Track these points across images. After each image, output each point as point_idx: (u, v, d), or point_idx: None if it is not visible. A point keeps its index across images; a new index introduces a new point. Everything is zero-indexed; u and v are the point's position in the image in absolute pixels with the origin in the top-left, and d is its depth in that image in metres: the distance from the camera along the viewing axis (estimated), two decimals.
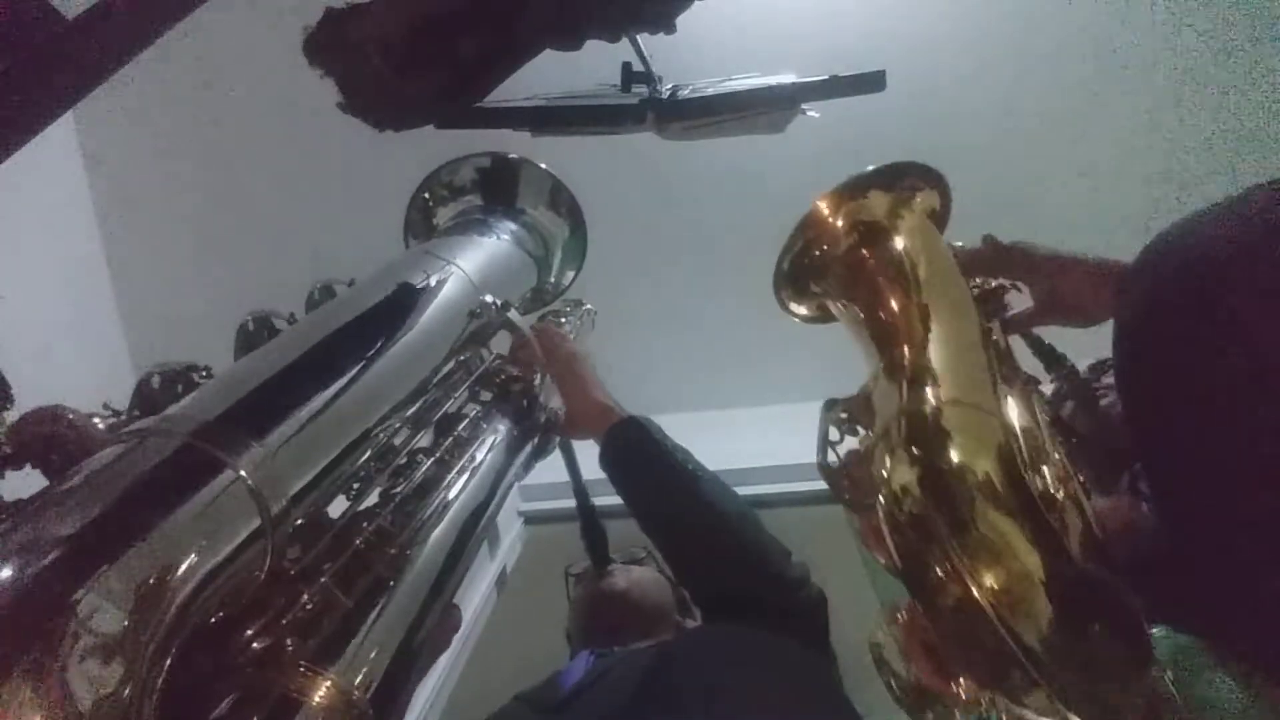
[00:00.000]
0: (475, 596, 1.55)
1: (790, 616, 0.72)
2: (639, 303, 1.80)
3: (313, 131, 1.56)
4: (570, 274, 1.02)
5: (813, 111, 0.88)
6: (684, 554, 0.80)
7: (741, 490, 0.84)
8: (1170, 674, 0.51)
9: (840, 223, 0.69)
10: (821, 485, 1.90)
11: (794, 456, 1.74)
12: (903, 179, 0.70)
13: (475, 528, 0.57)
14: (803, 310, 0.78)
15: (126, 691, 0.31)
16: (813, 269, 0.72)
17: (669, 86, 0.94)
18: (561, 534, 1.61)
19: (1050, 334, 0.74)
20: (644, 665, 0.70)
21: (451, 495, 0.57)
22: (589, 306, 1.07)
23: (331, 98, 0.77)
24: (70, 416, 0.41)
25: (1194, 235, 0.54)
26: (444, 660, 1.28)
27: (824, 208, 0.69)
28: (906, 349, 0.61)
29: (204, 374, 0.47)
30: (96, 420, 0.42)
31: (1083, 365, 0.77)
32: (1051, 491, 0.54)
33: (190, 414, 0.40)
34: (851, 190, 0.69)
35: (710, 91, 0.93)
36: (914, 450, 0.53)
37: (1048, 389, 0.77)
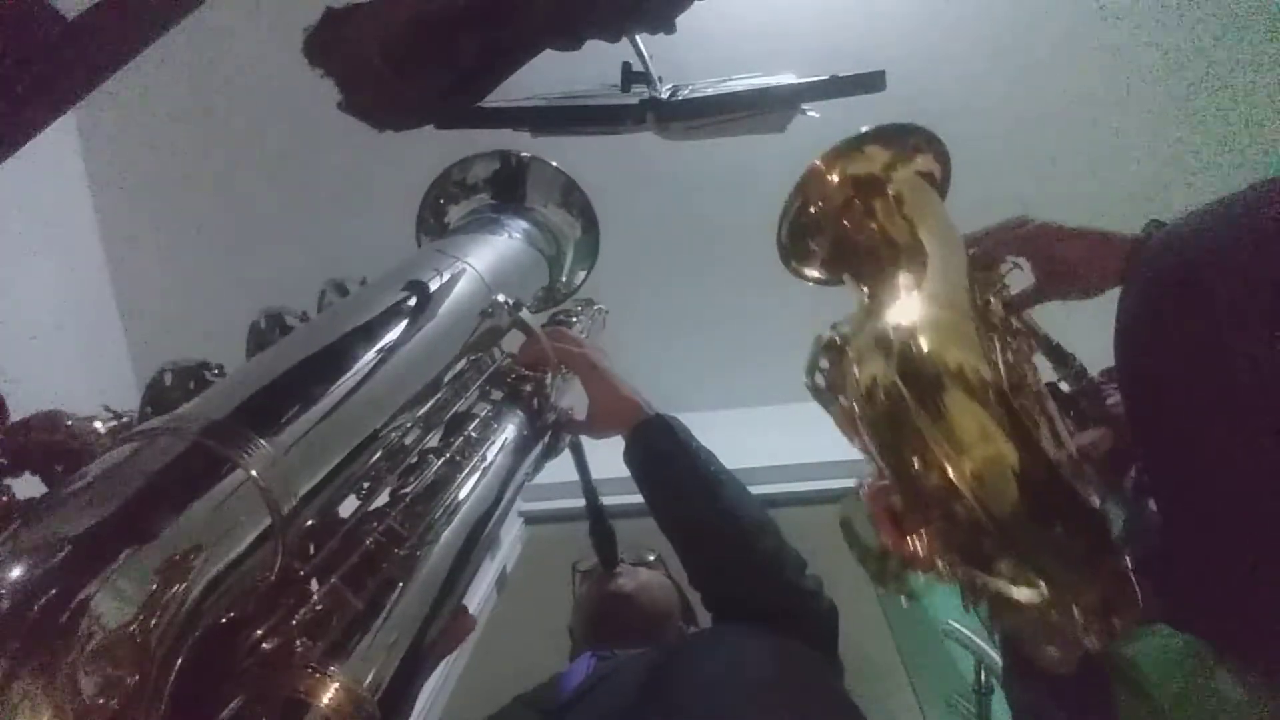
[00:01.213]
0: (475, 596, 1.55)
1: (800, 625, 0.73)
2: (643, 302, 1.80)
3: (322, 130, 1.55)
4: (582, 273, 1.02)
5: (813, 111, 0.89)
6: (700, 555, 0.80)
7: (752, 489, 0.84)
8: (1179, 677, 0.51)
9: (836, 178, 0.71)
10: (822, 485, 1.91)
11: (796, 456, 1.75)
12: (904, 139, 0.70)
13: (485, 528, 0.57)
14: (811, 272, 0.79)
15: (137, 692, 0.30)
16: (811, 224, 0.74)
17: (669, 86, 0.94)
18: (562, 534, 1.62)
19: (1060, 335, 0.74)
20: (648, 666, 0.70)
21: (462, 495, 0.57)
22: (600, 306, 1.07)
23: (332, 99, 0.77)
24: (69, 424, 0.41)
25: (1193, 233, 0.54)
26: (444, 660, 1.28)
27: (822, 165, 0.71)
28: (894, 275, 0.63)
29: (216, 372, 0.47)
30: (98, 424, 0.42)
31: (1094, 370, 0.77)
32: (1026, 382, 0.57)
33: (201, 413, 0.39)
34: (851, 146, 0.70)
35: (710, 91, 0.93)
36: (893, 341, 0.55)
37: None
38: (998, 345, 0.58)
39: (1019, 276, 0.74)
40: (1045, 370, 0.76)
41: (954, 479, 0.49)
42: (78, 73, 0.72)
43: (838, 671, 0.77)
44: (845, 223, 0.70)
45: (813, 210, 0.72)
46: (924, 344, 0.53)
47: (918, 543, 0.54)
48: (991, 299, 0.70)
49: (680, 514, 0.80)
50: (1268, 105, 1.68)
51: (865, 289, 0.66)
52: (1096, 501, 0.51)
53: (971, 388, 0.51)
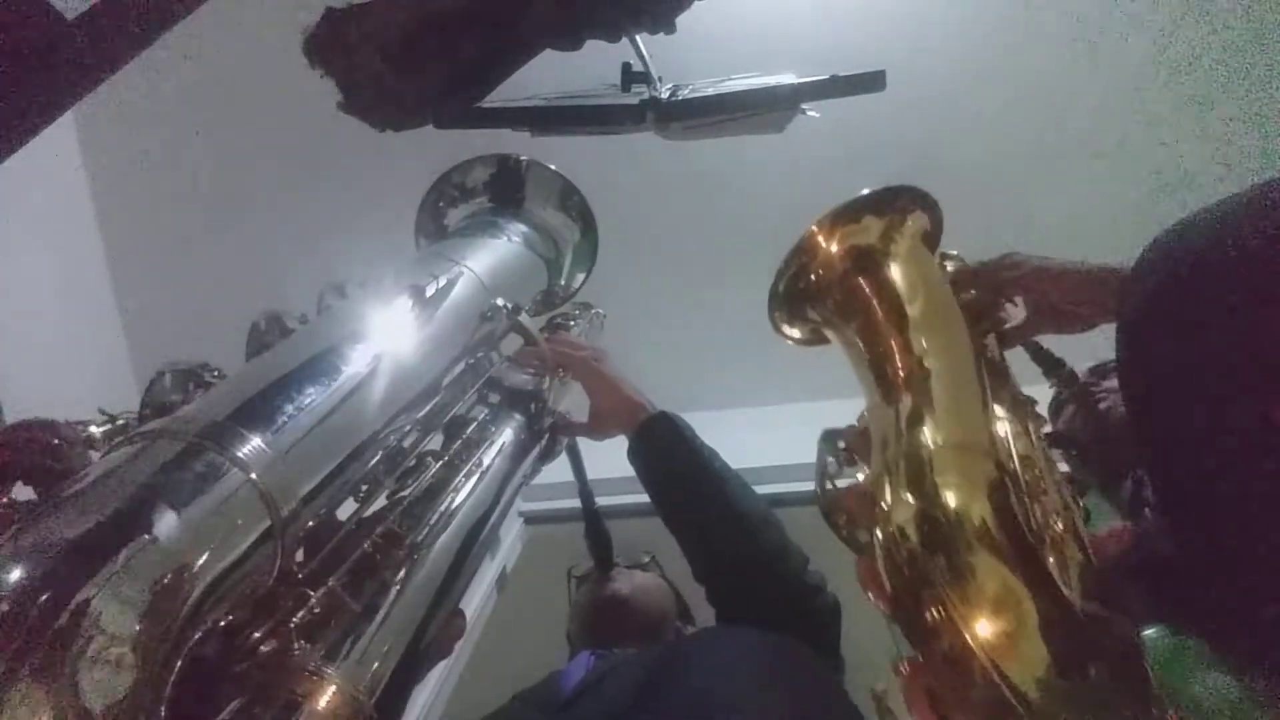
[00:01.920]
0: (475, 596, 1.55)
1: (802, 622, 0.73)
2: (643, 301, 1.80)
3: (321, 131, 1.55)
4: (580, 276, 1.02)
5: (813, 111, 0.89)
6: (705, 551, 0.81)
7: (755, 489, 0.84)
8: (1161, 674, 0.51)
9: (835, 248, 0.69)
10: None
11: (795, 456, 1.74)
12: (895, 202, 0.70)
13: (482, 531, 0.57)
14: (795, 334, 0.79)
15: (136, 693, 0.31)
16: (807, 294, 0.73)
17: (669, 86, 0.94)
18: (562, 534, 1.61)
19: (1048, 339, 0.74)
20: (647, 664, 0.70)
21: (459, 499, 0.57)
22: (598, 310, 1.07)
23: (332, 99, 0.77)
24: (56, 440, 0.41)
25: (1198, 232, 0.54)
26: (444, 660, 1.28)
27: (818, 232, 0.70)
28: (901, 381, 0.61)
29: (215, 374, 0.47)
30: (93, 428, 0.42)
31: (1082, 369, 0.77)
32: (1049, 525, 0.54)
33: (201, 415, 0.40)
34: (845, 215, 0.69)
35: (710, 91, 0.93)
36: (910, 496, 0.53)
37: (1047, 394, 0.77)
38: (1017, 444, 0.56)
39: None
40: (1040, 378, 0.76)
41: (976, 647, 0.46)
42: (78, 73, 0.73)
43: (839, 669, 0.77)
44: (845, 301, 0.69)
45: (812, 278, 0.72)
46: (954, 499, 0.51)
47: None
48: (988, 342, 0.69)
49: (685, 510, 0.80)
50: (1270, 107, 1.68)
51: (872, 389, 0.64)
52: (1126, 629, 0.49)
53: (994, 545, 0.49)
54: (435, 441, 0.63)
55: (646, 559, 1.09)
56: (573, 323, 0.98)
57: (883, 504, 0.54)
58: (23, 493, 0.43)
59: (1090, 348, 0.68)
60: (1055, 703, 0.46)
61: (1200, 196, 0.56)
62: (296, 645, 0.41)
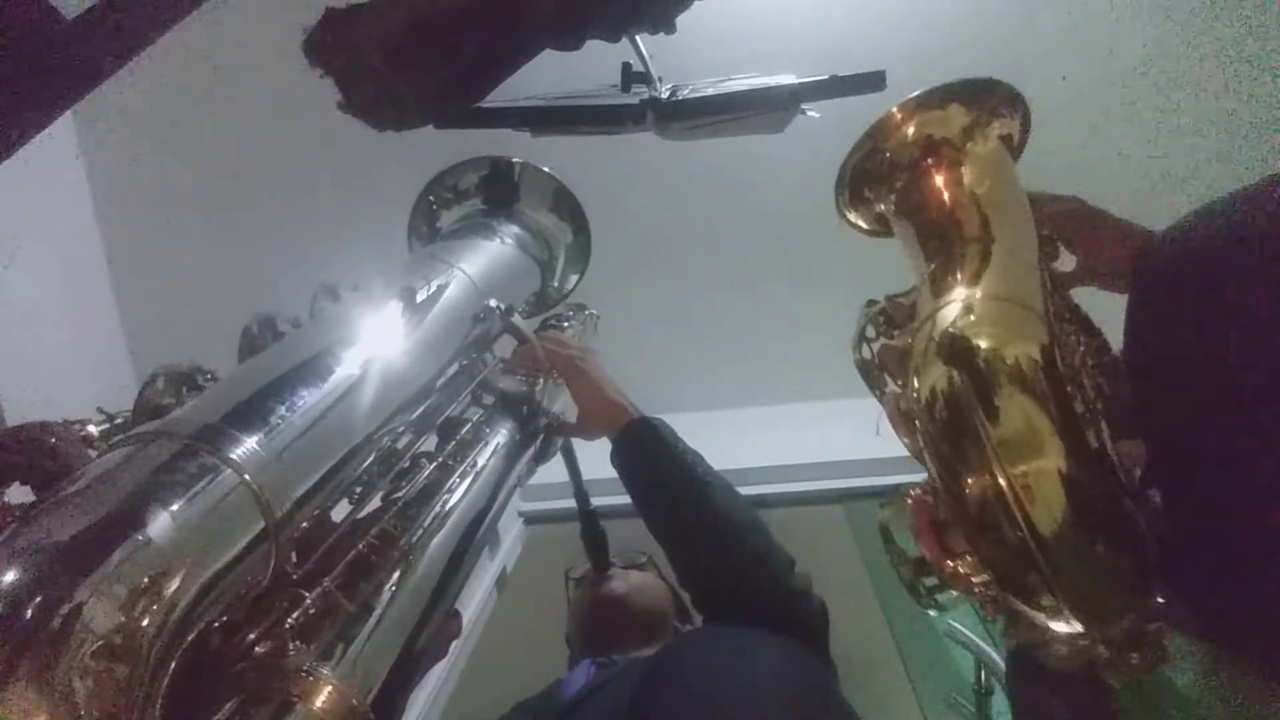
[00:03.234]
0: (475, 597, 1.55)
1: (788, 626, 0.72)
2: (638, 302, 1.80)
3: (316, 132, 1.56)
4: (574, 278, 1.02)
5: (813, 111, 0.89)
6: (688, 556, 0.80)
7: (741, 490, 0.84)
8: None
9: (912, 132, 0.67)
10: (821, 485, 1.90)
11: (794, 456, 1.74)
12: (985, 98, 0.67)
13: (477, 532, 0.57)
14: (861, 222, 0.76)
15: (130, 695, 0.31)
16: (874, 175, 0.71)
17: (669, 86, 0.94)
18: (561, 534, 1.61)
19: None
20: (644, 670, 0.70)
21: (454, 500, 0.57)
22: (592, 310, 1.07)
23: (333, 98, 0.77)
24: (53, 440, 0.41)
25: (1201, 227, 0.54)
26: (443, 660, 1.28)
27: (897, 114, 0.67)
28: (960, 257, 0.60)
29: (208, 377, 0.47)
30: (91, 427, 0.42)
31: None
32: (1086, 391, 0.55)
33: (195, 418, 0.40)
34: (929, 101, 0.66)
35: (710, 91, 0.93)
36: (955, 336, 0.53)
37: None
38: (1058, 334, 0.56)
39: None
40: None
41: (1003, 485, 0.48)
42: (78, 73, 0.73)
43: (831, 671, 0.76)
44: (915, 183, 0.67)
45: (881, 160, 0.69)
46: (986, 340, 0.52)
47: (959, 561, 0.53)
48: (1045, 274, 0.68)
49: (666, 516, 0.80)
50: (1272, 105, 1.67)
51: (927, 263, 0.63)
52: (1139, 518, 0.50)
53: (1031, 388, 0.50)
54: (430, 443, 0.63)
55: (643, 559, 1.08)
56: (566, 324, 0.98)
57: (925, 345, 0.55)
58: (21, 494, 0.43)
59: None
60: (1066, 555, 0.47)
61: (1204, 195, 0.56)
62: (292, 646, 0.41)
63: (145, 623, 0.32)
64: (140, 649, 0.31)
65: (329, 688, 0.40)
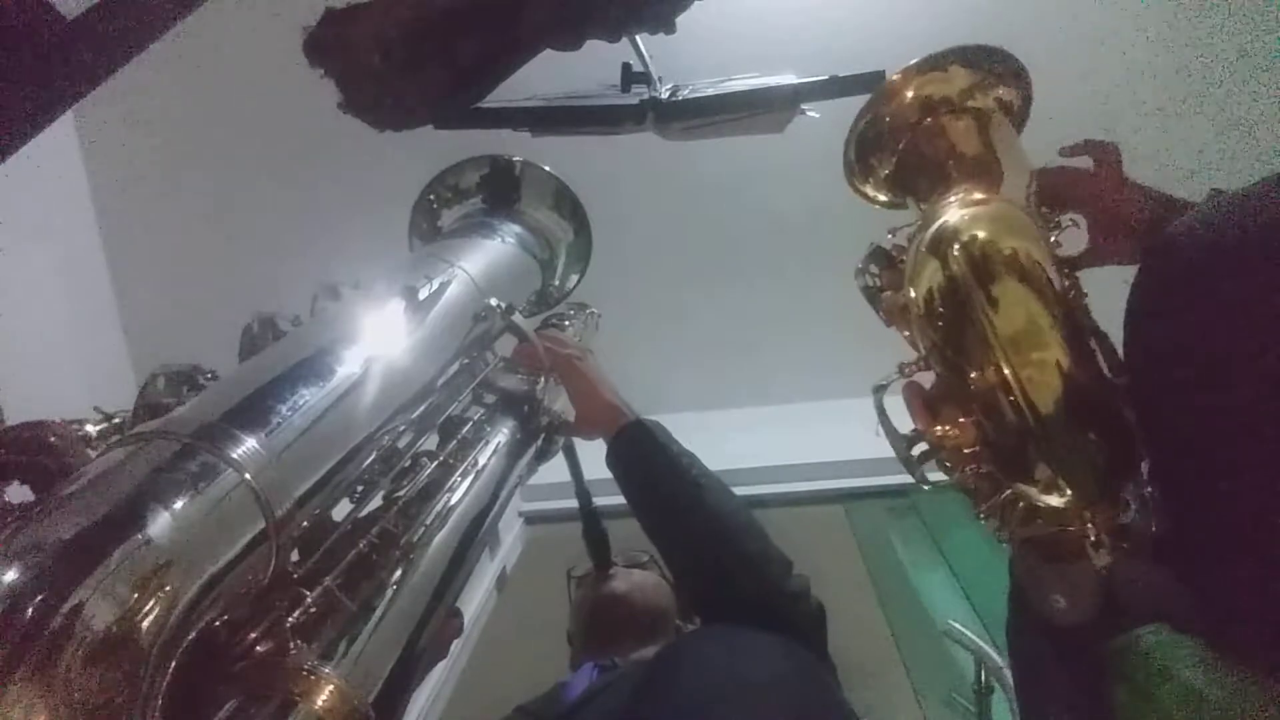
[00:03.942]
0: (475, 596, 1.55)
1: (786, 629, 0.72)
2: (638, 301, 1.80)
3: (316, 132, 1.56)
4: (575, 277, 1.02)
5: (813, 111, 0.89)
6: (683, 559, 0.80)
7: (740, 490, 0.84)
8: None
9: (911, 95, 0.68)
10: (821, 485, 1.89)
11: (793, 456, 1.75)
12: (987, 62, 0.68)
13: (478, 531, 0.57)
14: (873, 192, 0.77)
15: (131, 694, 0.31)
16: (879, 141, 0.72)
17: (669, 86, 0.94)
18: (562, 534, 1.62)
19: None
20: (644, 671, 0.70)
21: (455, 499, 0.57)
22: (593, 309, 1.07)
23: (333, 97, 0.77)
24: (53, 438, 0.41)
25: (1204, 224, 0.54)
26: (444, 659, 1.28)
27: (899, 79, 0.68)
28: (954, 183, 0.62)
29: (209, 376, 0.47)
30: (89, 426, 0.42)
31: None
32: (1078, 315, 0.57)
33: (195, 417, 0.40)
34: (931, 63, 0.68)
35: (710, 91, 0.93)
36: (951, 229, 0.55)
37: None
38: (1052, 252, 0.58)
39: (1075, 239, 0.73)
40: None
41: (1005, 372, 0.50)
42: (78, 73, 0.73)
43: (829, 671, 0.76)
44: (915, 142, 0.68)
45: (883, 126, 0.70)
46: (989, 234, 0.54)
47: (950, 429, 0.56)
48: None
49: (662, 518, 0.80)
50: (1273, 101, 1.67)
51: (923, 201, 0.66)
52: (1129, 418, 0.52)
53: (1029, 278, 0.52)
54: (431, 442, 0.63)
55: (645, 558, 1.08)
56: (567, 322, 0.98)
57: (928, 249, 0.56)
58: (21, 494, 0.43)
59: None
60: (1055, 435, 0.50)
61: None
62: (293, 645, 0.41)
63: (146, 622, 0.32)
64: (141, 648, 0.31)
65: (330, 686, 0.40)
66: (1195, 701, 0.52)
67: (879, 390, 0.64)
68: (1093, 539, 0.51)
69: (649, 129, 0.91)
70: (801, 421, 1.85)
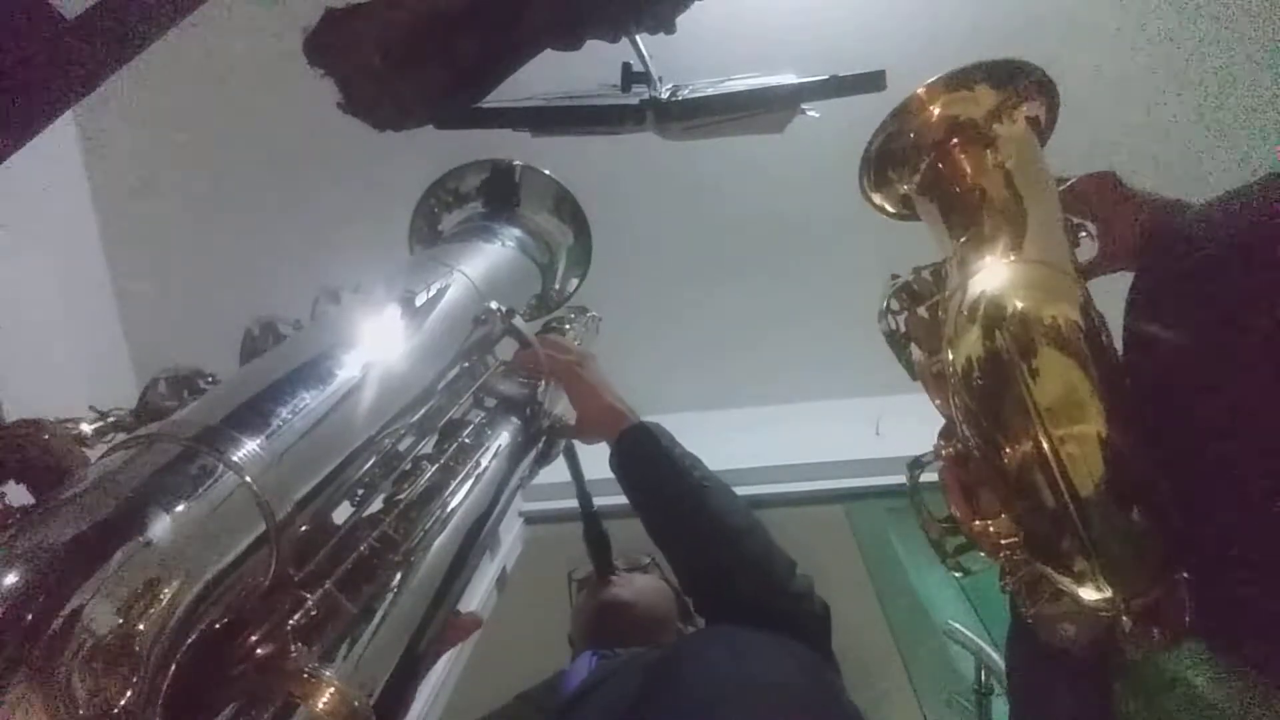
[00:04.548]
0: (475, 596, 1.55)
1: (790, 629, 0.72)
2: (638, 302, 1.80)
3: (317, 134, 1.56)
4: (575, 281, 1.02)
5: (813, 111, 0.89)
6: (687, 562, 0.80)
7: (740, 490, 0.84)
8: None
9: (938, 112, 0.66)
10: (821, 485, 1.89)
11: (794, 456, 1.75)
12: (1014, 79, 0.67)
13: (479, 534, 0.57)
14: (886, 205, 0.76)
15: (131, 697, 0.31)
16: (899, 157, 0.70)
17: (669, 86, 0.94)
18: (562, 534, 1.62)
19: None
20: (648, 666, 0.70)
21: (455, 502, 0.57)
22: (594, 313, 1.07)
23: (332, 99, 0.77)
24: (48, 436, 0.41)
25: (1206, 222, 0.54)
26: (444, 660, 1.28)
27: (924, 95, 0.67)
28: (989, 229, 0.60)
29: (210, 380, 0.48)
30: (84, 425, 0.42)
31: None
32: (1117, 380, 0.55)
33: (196, 419, 0.40)
34: (957, 81, 0.66)
35: (710, 91, 0.93)
36: (990, 299, 0.53)
37: None
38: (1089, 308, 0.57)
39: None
40: None
41: (1045, 446, 0.48)
42: (78, 73, 0.73)
43: (834, 670, 0.76)
44: (940, 164, 0.67)
45: (906, 141, 0.69)
46: (1031, 304, 0.52)
47: (989, 522, 0.54)
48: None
49: (665, 521, 0.80)
50: (1273, 99, 1.67)
51: (955, 238, 0.64)
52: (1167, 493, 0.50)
53: (1069, 348, 0.50)
54: (431, 445, 0.63)
55: (646, 560, 1.08)
56: (568, 326, 0.98)
57: (965, 315, 0.55)
58: (21, 495, 0.43)
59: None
60: (1096, 516, 0.47)
61: (1205, 193, 0.56)
62: (293, 648, 0.41)
63: (146, 625, 0.32)
64: (141, 651, 0.31)
65: (331, 689, 0.40)
66: (1201, 708, 0.52)
67: (916, 468, 0.61)
68: (1126, 629, 0.49)
69: (649, 129, 0.91)
70: (801, 421, 1.85)
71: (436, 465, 0.59)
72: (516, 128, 0.92)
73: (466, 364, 0.68)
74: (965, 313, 0.55)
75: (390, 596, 0.47)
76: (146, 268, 1.82)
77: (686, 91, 0.94)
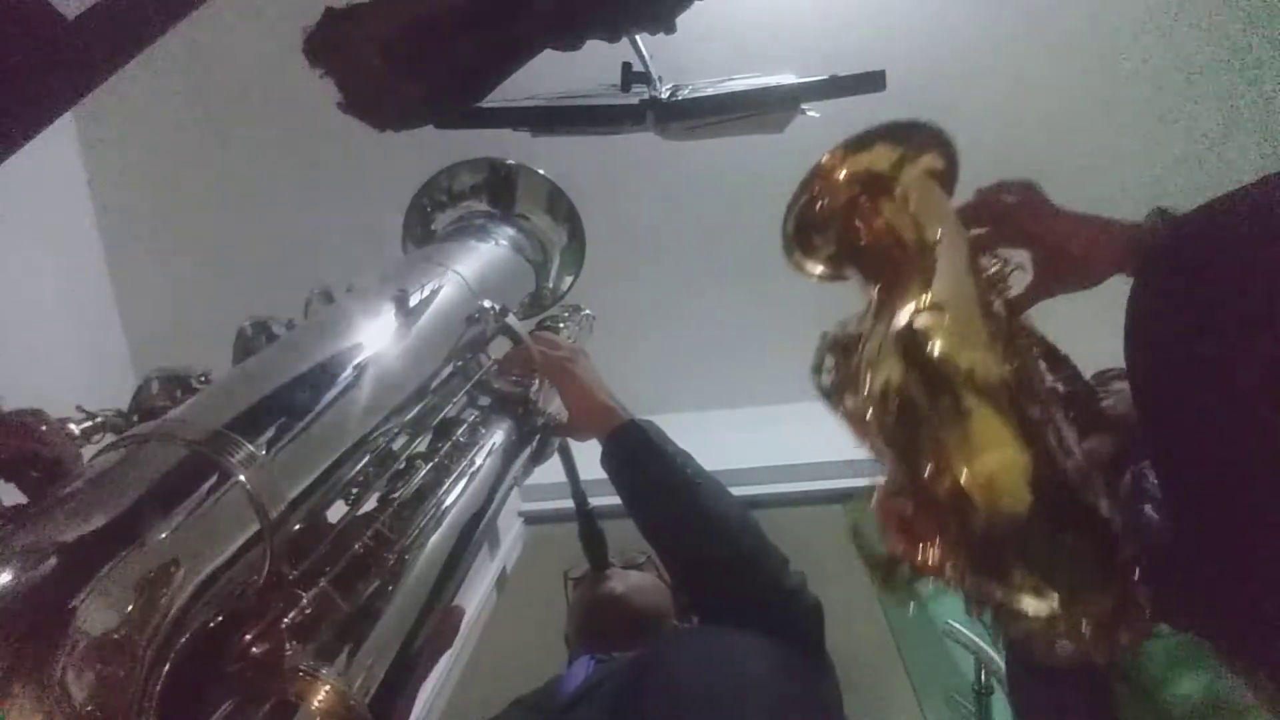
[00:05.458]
0: (475, 596, 1.55)
1: (785, 625, 0.72)
2: (635, 303, 1.80)
3: (315, 134, 1.56)
4: (569, 279, 1.02)
5: (813, 111, 0.89)
6: (680, 559, 0.80)
7: (738, 490, 0.84)
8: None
9: (844, 174, 0.69)
10: (818, 485, 1.89)
11: (791, 456, 1.74)
12: (911, 136, 0.69)
13: (474, 532, 0.57)
14: (814, 268, 0.77)
15: (126, 696, 0.31)
16: (817, 220, 0.72)
17: (669, 86, 0.94)
18: (562, 534, 1.62)
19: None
20: (637, 669, 0.70)
21: (450, 500, 0.57)
22: (587, 312, 1.07)
23: (332, 99, 0.77)
24: (43, 429, 0.41)
25: (1204, 225, 0.54)
26: (444, 660, 1.28)
27: (830, 160, 0.70)
28: (900, 274, 0.62)
29: (203, 379, 0.48)
30: (72, 425, 0.42)
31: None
32: (1039, 395, 0.57)
33: (189, 419, 0.40)
34: (858, 143, 0.69)
35: (710, 91, 0.93)
36: (902, 335, 0.55)
37: None
38: (1006, 347, 0.58)
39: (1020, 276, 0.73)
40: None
41: (966, 484, 0.49)
42: (78, 73, 0.73)
43: (826, 670, 0.76)
44: (852, 220, 0.70)
45: (819, 206, 0.71)
46: (939, 346, 0.53)
47: (928, 550, 0.54)
48: (995, 300, 0.69)
49: (657, 519, 0.80)
50: (1272, 99, 1.67)
51: (873, 289, 0.66)
52: (1106, 509, 0.51)
53: (985, 390, 0.51)
54: (425, 444, 0.63)
55: (642, 558, 1.08)
56: (562, 325, 0.98)
57: (879, 358, 0.56)
58: (14, 496, 0.43)
59: (1101, 349, 0.68)
60: (1030, 543, 0.48)
61: (1205, 193, 0.56)
62: (289, 646, 0.41)
63: (140, 623, 0.32)
64: (136, 649, 0.31)
65: (326, 687, 0.40)
66: (1197, 703, 0.52)
67: (852, 510, 0.64)
68: (1089, 636, 0.49)
69: (649, 129, 0.91)
70: (801, 421, 1.84)
71: (430, 464, 0.59)
72: (516, 128, 0.92)
73: (460, 362, 0.68)
74: (879, 358, 0.56)
75: (385, 594, 0.47)
76: (146, 267, 1.82)
77: (686, 91, 0.94)
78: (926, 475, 0.51)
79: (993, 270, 0.69)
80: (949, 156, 0.71)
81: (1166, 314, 0.55)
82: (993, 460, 0.49)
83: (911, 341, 0.54)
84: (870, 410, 0.56)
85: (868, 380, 0.57)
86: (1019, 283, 0.71)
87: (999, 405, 0.51)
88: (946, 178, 0.72)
